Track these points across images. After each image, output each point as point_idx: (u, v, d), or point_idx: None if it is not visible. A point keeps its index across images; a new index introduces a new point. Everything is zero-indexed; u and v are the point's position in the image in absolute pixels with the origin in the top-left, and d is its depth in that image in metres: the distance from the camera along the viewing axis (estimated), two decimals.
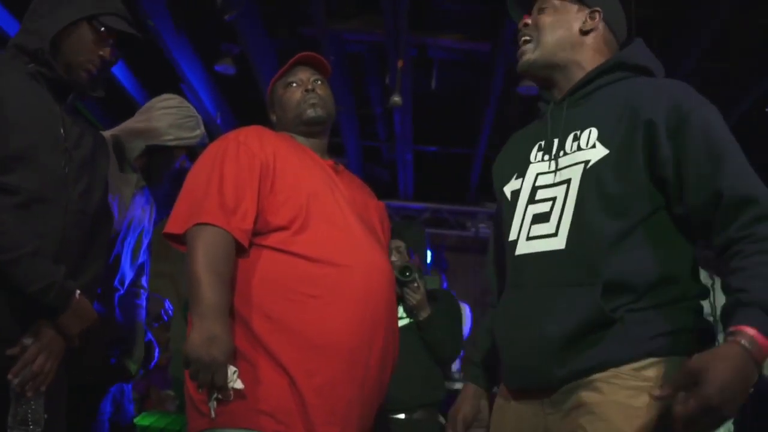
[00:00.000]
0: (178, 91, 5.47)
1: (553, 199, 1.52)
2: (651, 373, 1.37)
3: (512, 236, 1.58)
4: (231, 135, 1.91)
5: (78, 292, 1.72)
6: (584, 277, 1.42)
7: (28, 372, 1.64)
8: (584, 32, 1.62)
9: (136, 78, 5.45)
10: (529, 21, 1.66)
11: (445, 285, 5.17)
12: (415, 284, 2.83)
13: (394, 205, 7.28)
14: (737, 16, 4.24)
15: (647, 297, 1.41)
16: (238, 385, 1.64)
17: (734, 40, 4.67)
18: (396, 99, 4.83)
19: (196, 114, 2.52)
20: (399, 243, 3.18)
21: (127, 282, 2.37)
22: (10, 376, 1.63)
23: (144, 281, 2.51)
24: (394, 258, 3.09)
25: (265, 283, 1.75)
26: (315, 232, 1.80)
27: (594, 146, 1.49)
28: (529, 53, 1.63)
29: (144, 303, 2.49)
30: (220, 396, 1.63)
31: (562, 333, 1.42)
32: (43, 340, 1.68)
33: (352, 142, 6.48)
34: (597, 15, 1.62)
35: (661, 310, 1.41)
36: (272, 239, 1.79)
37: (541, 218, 1.53)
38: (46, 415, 1.66)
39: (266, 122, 2.17)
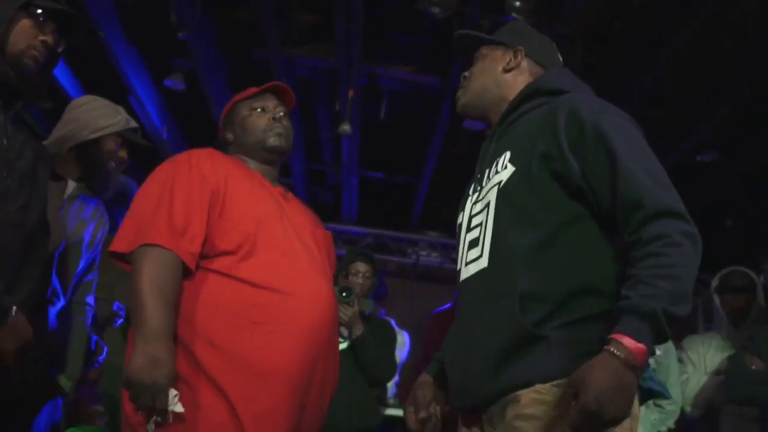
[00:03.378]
0: (126, 103, 5.42)
1: (481, 224, 1.62)
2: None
3: (458, 266, 1.68)
4: (183, 156, 1.91)
5: (15, 308, 1.69)
6: (503, 293, 1.48)
7: None
8: (507, 70, 1.76)
9: (83, 89, 5.37)
10: (467, 73, 1.82)
11: (383, 314, 5.23)
12: (351, 305, 2.91)
13: (336, 228, 7.29)
14: (673, 66, 4.45)
15: (569, 309, 1.43)
16: (178, 408, 1.63)
17: (671, 90, 4.88)
18: (345, 128, 4.87)
19: (112, 104, 2.50)
20: (367, 268, 3.26)
21: (61, 294, 2.31)
22: None
23: (90, 299, 2.46)
24: (360, 281, 3.18)
25: (209, 308, 1.75)
26: (262, 259, 1.80)
27: (506, 167, 1.60)
28: (461, 98, 1.80)
29: (89, 321, 2.44)
30: (159, 419, 1.62)
31: (487, 352, 1.47)
32: None
33: (298, 164, 6.49)
34: (519, 54, 1.76)
35: (586, 327, 1.42)
36: (218, 263, 1.78)
37: (473, 244, 1.62)
38: None
39: (212, 137, 2.17)
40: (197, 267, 1.78)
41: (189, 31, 4.24)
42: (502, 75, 1.76)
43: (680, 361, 3.47)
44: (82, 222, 2.40)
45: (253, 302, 1.76)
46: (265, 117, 2.04)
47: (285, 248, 1.85)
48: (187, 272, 1.76)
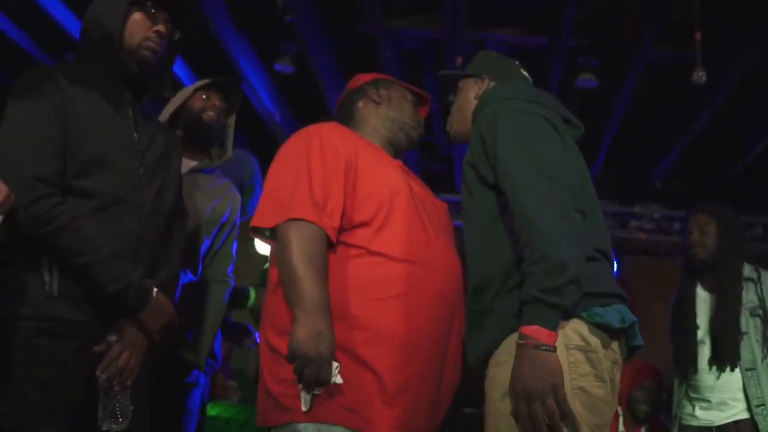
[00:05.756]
0: None
1: None
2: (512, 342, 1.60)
3: None
4: (312, 130, 1.93)
5: (155, 290, 1.79)
6: (468, 285, 1.80)
7: (114, 368, 1.71)
8: (478, 96, 2.01)
9: (198, 79, 5.58)
10: (452, 96, 2.11)
11: None
12: None
13: (451, 199, 7.25)
14: None
15: (503, 285, 1.69)
16: (339, 380, 1.67)
17: None
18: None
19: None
20: None
21: (188, 269, 2.35)
22: (98, 372, 1.70)
23: (229, 271, 2.51)
24: None
25: (350, 281, 1.77)
26: (395, 231, 1.82)
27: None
28: (450, 129, 2.10)
29: (227, 296, 2.50)
30: (318, 391, 1.66)
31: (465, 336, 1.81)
32: (126, 338, 1.75)
33: None
34: (484, 80, 2.03)
35: (513, 293, 1.66)
36: (356, 237, 1.81)
37: None
38: (132, 408, 1.72)
39: (324, 118, 2.18)
40: (337, 242, 1.80)
41: (296, 14, 4.30)
42: (474, 101, 2.01)
43: None
44: (202, 196, 2.44)
45: (391, 275, 1.78)
46: (415, 111, 2.14)
47: (415, 219, 1.87)
48: (329, 246, 1.78)
